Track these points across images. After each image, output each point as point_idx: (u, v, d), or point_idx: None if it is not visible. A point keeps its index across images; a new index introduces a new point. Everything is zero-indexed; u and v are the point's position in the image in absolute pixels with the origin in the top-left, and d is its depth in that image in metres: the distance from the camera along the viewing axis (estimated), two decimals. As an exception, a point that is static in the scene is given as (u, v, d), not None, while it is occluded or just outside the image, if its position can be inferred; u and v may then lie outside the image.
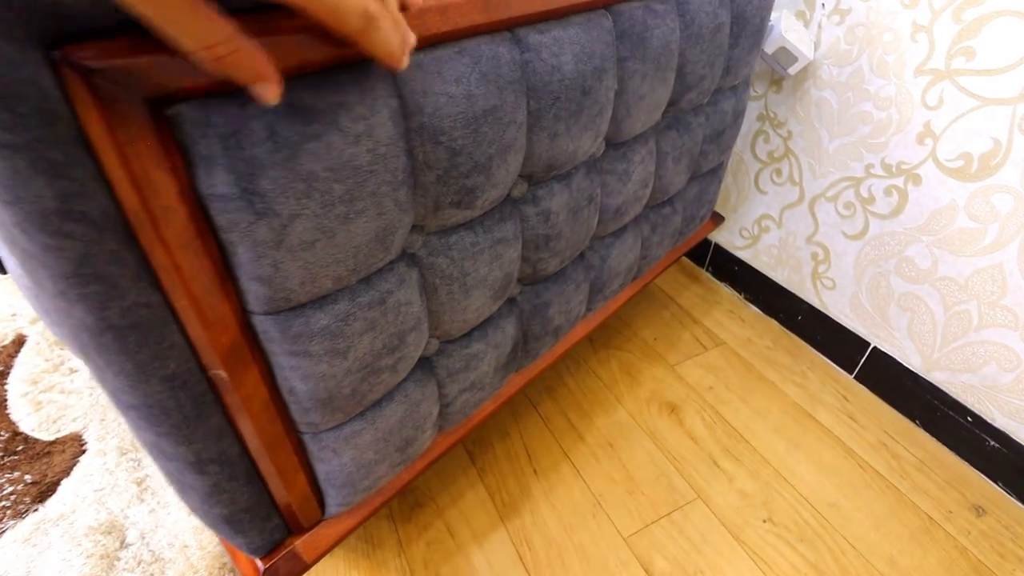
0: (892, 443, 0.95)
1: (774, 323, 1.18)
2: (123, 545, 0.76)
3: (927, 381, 0.94)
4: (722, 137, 0.84)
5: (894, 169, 0.89)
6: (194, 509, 0.48)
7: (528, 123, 0.48)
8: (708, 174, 0.90)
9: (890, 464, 0.91)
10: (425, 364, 0.56)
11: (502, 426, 0.95)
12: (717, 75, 0.72)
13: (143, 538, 0.77)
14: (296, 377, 0.42)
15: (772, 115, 1.05)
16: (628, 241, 0.77)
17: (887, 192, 0.91)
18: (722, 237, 1.25)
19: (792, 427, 0.96)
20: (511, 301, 0.63)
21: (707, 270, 1.32)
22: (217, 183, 0.32)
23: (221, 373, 0.39)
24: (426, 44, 0.39)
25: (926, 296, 0.90)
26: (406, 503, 0.84)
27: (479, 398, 0.64)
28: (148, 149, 0.29)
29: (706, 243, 1.29)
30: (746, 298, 1.23)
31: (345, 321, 0.41)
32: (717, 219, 1.08)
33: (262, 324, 0.39)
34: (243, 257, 0.35)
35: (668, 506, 0.84)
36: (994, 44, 0.73)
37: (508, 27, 0.45)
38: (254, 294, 0.37)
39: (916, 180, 0.86)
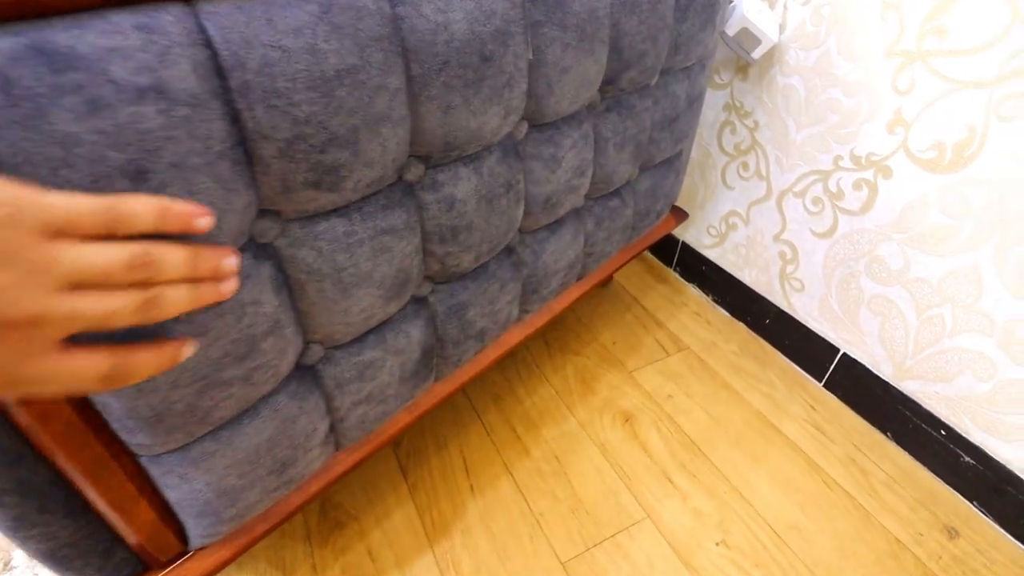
0: (861, 457, 0.88)
1: (742, 327, 1.11)
2: None
3: (899, 391, 0.88)
4: (676, 124, 0.77)
5: (863, 161, 0.82)
6: (12, 541, 0.41)
7: (410, 91, 0.41)
8: (663, 165, 0.83)
9: (858, 481, 0.84)
10: (306, 373, 0.48)
11: (440, 437, 0.88)
12: (663, 52, 0.65)
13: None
14: (106, 391, 0.35)
15: (738, 105, 0.99)
16: (567, 236, 0.70)
17: (856, 186, 0.84)
18: (690, 235, 1.18)
19: (755, 440, 0.89)
20: (419, 301, 0.56)
21: (675, 270, 1.25)
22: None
23: None
24: (253, -16, 0.32)
25: (898, 299, 0.83)
26: (326, 522, 0.76)
27: (384, 411, 0.57)
28: None
29: (674, 241, 1.22)
30: (714, 300, 1.16)
31: (161, 324, 0.34)
32: (680, 215, 1.01)
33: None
34: None
35: (614, 527, 0.77)
36: (968, 21, 0.66)
37: (378, -24, 0.38)
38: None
39: (886, 173, 0.80)
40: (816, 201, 0.91)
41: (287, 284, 0.42)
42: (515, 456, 0.85)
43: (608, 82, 0.61)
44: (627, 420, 0.91)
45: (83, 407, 0.36)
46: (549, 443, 0.87)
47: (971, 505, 0.82)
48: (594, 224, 0.75)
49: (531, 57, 0.49)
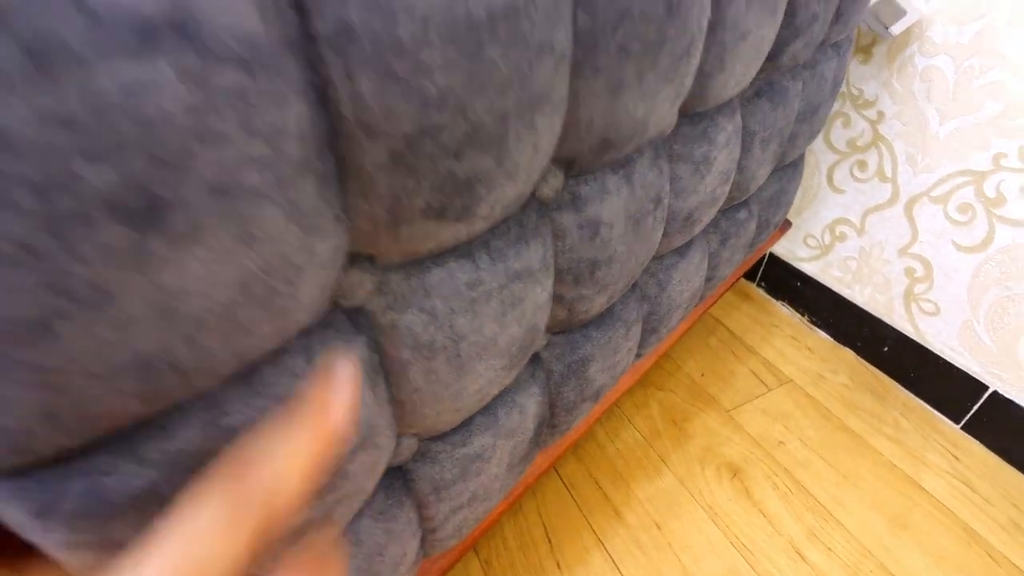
0: (1028, 521, 0.71)
1: (849, 353, 0.95)
2: None
3: (1076, 440, 0.71)
4: (816, 115, 0.61)
5: (1041, 159, 0.66)
6: None
7: (575, 57, 0.26)
8: (791, 166, 0.67)
9: (1030, 553, 0.68)
10: (394, 479, 0.33)
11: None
12: (829, 17, 0.49)
13: None
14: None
15: (856, 92, 0.82)
16: (695, 259, 0.54)
17: (1027, 190, 0.68)
18: (780, 246, 1.02)
19: (894, 499, 0.73)
20: (534, 361, 0.41)
21: (759, 285, 1.08)
22: None
23: None
24: None
25: (1083, 330, 0.67)
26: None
27: (485, 508, 0.42)
28: None
29: (758, 253, 1.06)
30: (811, 321, 1.00)
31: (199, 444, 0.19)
32: (786, 226, 0.85)
33: None
34: None
35: (742, 621, 0.61)
36: None
37: None
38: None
39: (1077, 173, 0.63)
40: (964, 208, 0.75)
41: (383, 368, 0.26)
42: (605, 522, 0.70)
43: (771, 56, 0.46)
44: (735, 474, 0.76)
45: None
46: (644, 504, 0.72)
47: None
48: (719, 242, 0.59)
49: (710, 15, 0.34)
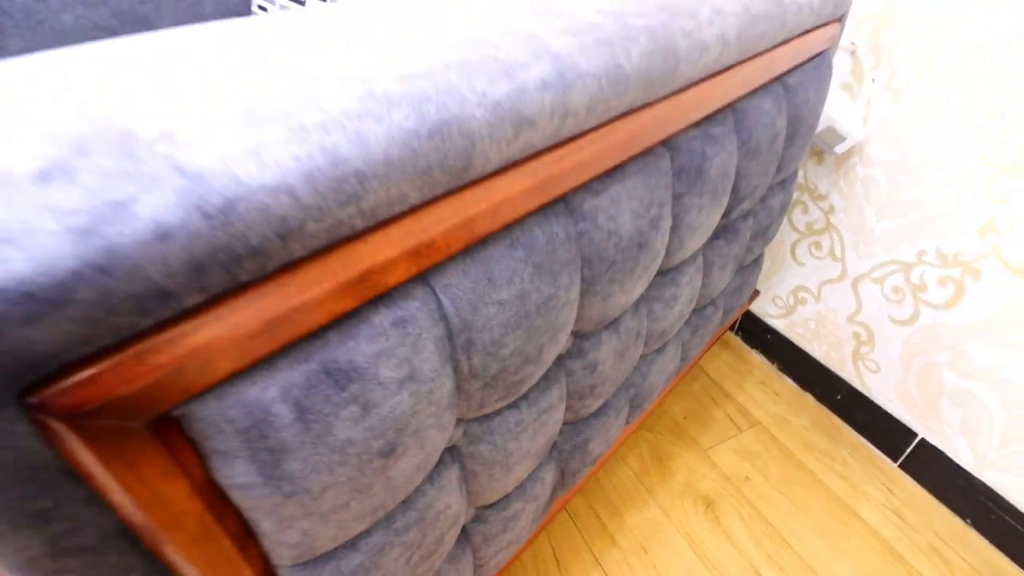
0: (943, 547, 0.89)
1: (810, 398, 1.12)
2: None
3: (980, 481, 0.88)
4: (768, 231, 0.78)
5: (950, 260, 0.83)
6: None
7: (581, 291, 0.43)
8: (751, 265, 0.84)
9: (942, 572, 0.85)
10: (460, 536, 0.51)
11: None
12: (769, 180, 0.67)
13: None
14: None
15: (812, 187, 0.99)
16: (670, 352, 0.71)
17: (941, 282, 0.85)
18: (754, 303, 1.19)
19: (836, 527, 0.90)
20: (551, 448, 0.58)
21: (737, 334, 1.26)
22: (237, 474, 0.26)
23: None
24: (472, 244, 0.34)
25: (983, 395, 0.84)
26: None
27: (514, 549, 0.59)
28: (151, 465, 0.24)
29: (736, 307, 1.23)
30: (779, 368, 1.18)
31: (381, 553, 0.36)
32: (754, 295, 1.02)
33: (287, 575, 0.34)
34: (268, 528, 0.30)
35: (709, 627, 0.78)
36: (1073, 145, 0.67)
37: (561, 196, 0.40)
38: (278, 554, 0.32)
39: (975, 274, 0.80)
40: (896, 290, 0.92)
41: (465, 477, 0.44)
42: (603, 546, 0.87)
43: (723, 217, 0.63)
44: (708, 506, 0.93)
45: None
46: (634, 532, 0.89)
47: (1059, 601, 0.83)
48: (690, 334, 0.76)
49: (672, 223, 0.51)
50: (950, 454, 0.92)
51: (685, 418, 1.07)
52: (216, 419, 0.25)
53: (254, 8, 1.24)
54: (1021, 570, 0.86)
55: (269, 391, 0.25)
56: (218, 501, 0.28)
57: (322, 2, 1.05)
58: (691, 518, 0.91)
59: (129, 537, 0.26)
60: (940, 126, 0.78)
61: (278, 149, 0.23)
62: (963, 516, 0.92)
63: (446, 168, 0.28)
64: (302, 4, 1.10)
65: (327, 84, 0.26)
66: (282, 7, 1.13)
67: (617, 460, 0.99)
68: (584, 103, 0.35)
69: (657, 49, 0.40)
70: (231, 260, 0.22)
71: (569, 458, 0.60)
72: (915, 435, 0.96)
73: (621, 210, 0.43)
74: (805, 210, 1.02)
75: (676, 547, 0.87)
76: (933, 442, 0.94)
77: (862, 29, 0.83)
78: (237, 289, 0.23)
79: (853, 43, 0.86)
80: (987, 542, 0.89)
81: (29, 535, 0.22)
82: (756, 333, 1.21)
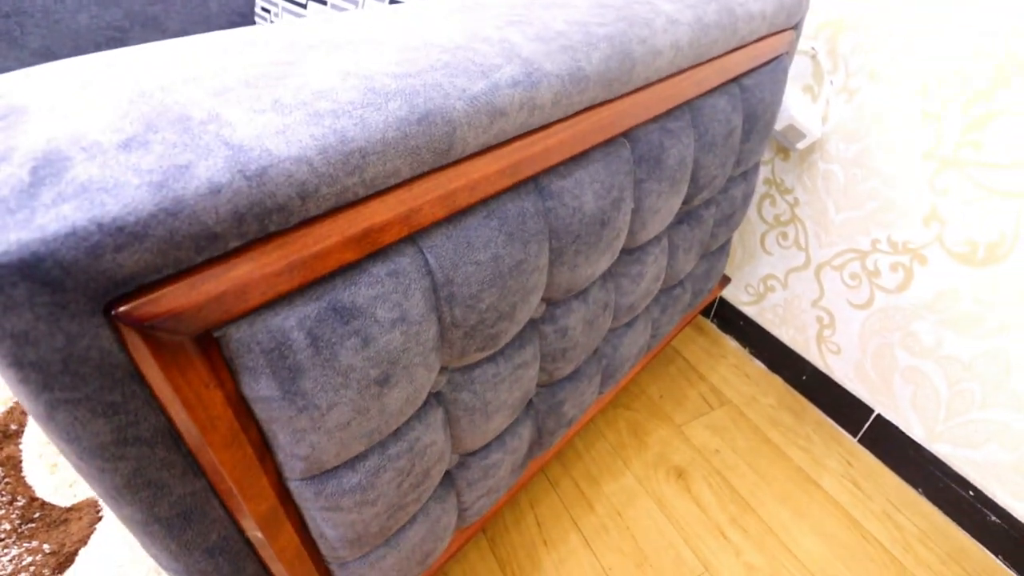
0: (895, 513, 0.96)
1: (778, 380, 1.19)
2: (142, 623, 0.78)
3: (930, 452, 0.96)
4: (732, 219, 0.85)
5: (900, 247, 0.90)
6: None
7: (550, 261, 0.50)
8: (717, 251, 0.91)
9: (893, 535, 0.93)
10: (445, 478, 0.57)
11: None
12: (728, 171, 0.74)
13: (162, 616, 0.78)
14: (327, 526, 0.44)
15: (779, 181, 1.07)
16: (639, 328, 0.78)
17: (893, 268, 0.92)
18: (728, 291, 1.27)
19: (797, 495, 0.98)
20: (527, 405, 0.65)
21: (712, 321, 1.33)
22: (261, 388, 0.33)
23: (258, 534, 0.40)
24: (454, 213, 0.41)
25: (930, 372, 0.92)
26: (418, 576, 0.85)
27: (495, 497, 0.66)
28: (197, 374, 0.30)
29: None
30: (751, 352, 1.25)
31: (376, 475, 0.43)
32: (724, 281, 1.09)
33: (298, 488, 0.40)
34: (283, 441, 0.36)
35: (676, 581, 0.86)
36: (1001, 140, 0.74)
37: (531, 176, 0.46)
38: (291, 467, 0.38)
39: (922, 260, 0.88)
40: (854, 276, 0.99)
41: (449, 420, 0.50)
42: (581, 512, 0.94)
43: (684, 203, 0.70)
44: (680, 475, 1.00)
45: (306, 538, 0.45)
46: (610, 498, 0.96)
47: (997, 559, 0.90)
48: (659, 311, 0.83)
49: (633, 206, 0.58)
50: (903, 428, 0.99)
51: (661, 397, 1.15)
52: (247, 340, 0.31)
53: (257, 9, 1.30)
54: (963, 531, 0.94)
55: (289, 321, 0.32)
56: (244, 414, 0.35)
57: (322, 5, 1.12)
58: (663, 486, 0.98)
59: (175, 437, 0.33)
60: (888, 124, 0.86)
61: (300, 130, 0.29)
62: (915, 485, 1.00)
63: (432, 149, 0.35)
64: (302, 5, 1.17)
65: (337, 81, 0.32)
66: (285, 9, 1.20)
67: (596, 435, 1.07)
68: (549, 98, 0.42)
69: (615, 53, 0.47)
70: (263, 213, 0.29)
71: (545, 418, 0.67)
72: (871, 411, 1.03)
73: (584, 191, 0.50)
74: (773, 203, 1.10)
75: (648, 511, 0.94)
76: (888, 417, 1.01)
77: (821, 35, 0.91)
78: (267, 237, 0.30)
79: (813, 48, 0.93)
80: (936, 508, 0.97)
81: (102, 422, 0.29)
82: (730, 319, 1.28)
